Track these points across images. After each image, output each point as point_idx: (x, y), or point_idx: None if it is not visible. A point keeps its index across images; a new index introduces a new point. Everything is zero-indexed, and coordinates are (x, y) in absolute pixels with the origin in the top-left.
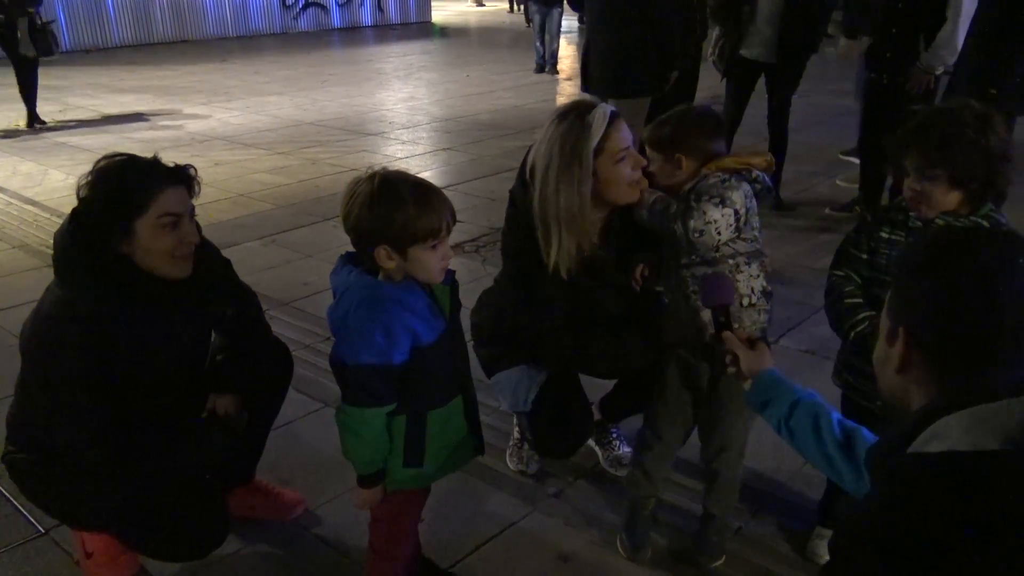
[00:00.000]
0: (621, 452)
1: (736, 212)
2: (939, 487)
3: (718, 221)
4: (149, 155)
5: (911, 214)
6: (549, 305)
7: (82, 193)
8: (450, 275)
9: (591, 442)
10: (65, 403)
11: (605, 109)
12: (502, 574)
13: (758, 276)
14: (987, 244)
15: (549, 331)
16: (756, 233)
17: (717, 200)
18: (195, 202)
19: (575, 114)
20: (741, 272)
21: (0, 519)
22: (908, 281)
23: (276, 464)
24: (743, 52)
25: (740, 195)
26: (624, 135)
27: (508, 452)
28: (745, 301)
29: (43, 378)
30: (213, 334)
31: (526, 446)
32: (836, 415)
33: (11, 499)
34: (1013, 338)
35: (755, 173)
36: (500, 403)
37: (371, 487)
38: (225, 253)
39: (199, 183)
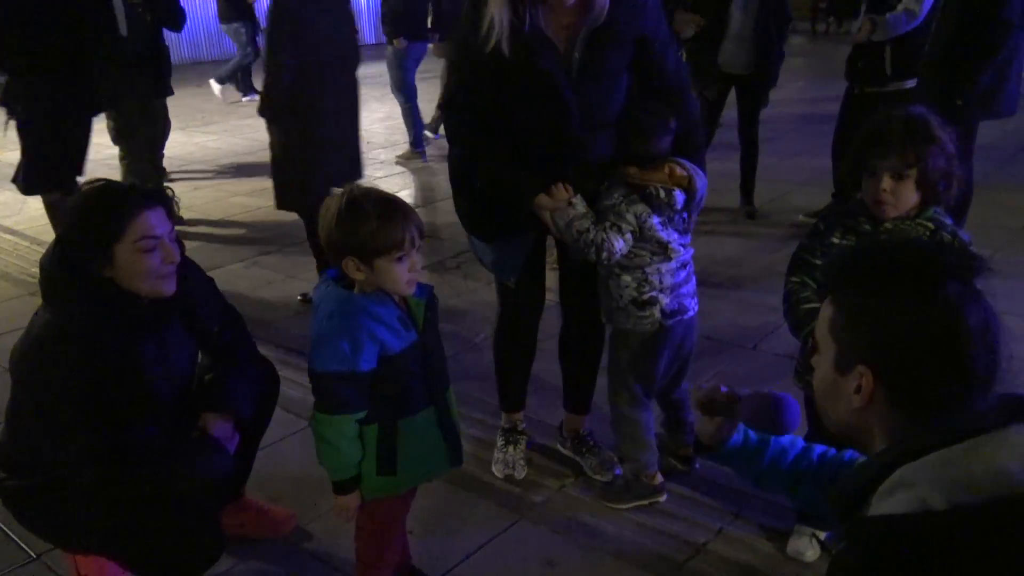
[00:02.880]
0: (604, 456)
1: (632, 232)
2: (920, 554)
3: (621, 248)
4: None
5: (860, 218)
6: (471, 91)
7: (64, 219)
8: (427, 289)
9: (571, 453)
10: (59, 424)
11: None
12: None
13: (663, 271)
14: (954, 267)
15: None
16: (662, 234)
17: (616, 230)
18: (177, 228)
19: None
20: (651, 266)
21: None
22: (868, 308)
23: (265, 482)
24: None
25: (632, 216)
26: None
27: (494, 460)
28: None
29: (35, 400)
30: (200, 354)
31: (511, 450)
32: (816, 454)
33: (1, 525)
34: (986, 362)
35: (651, 189)
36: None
37: (346, 493)
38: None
39: (178, 203)
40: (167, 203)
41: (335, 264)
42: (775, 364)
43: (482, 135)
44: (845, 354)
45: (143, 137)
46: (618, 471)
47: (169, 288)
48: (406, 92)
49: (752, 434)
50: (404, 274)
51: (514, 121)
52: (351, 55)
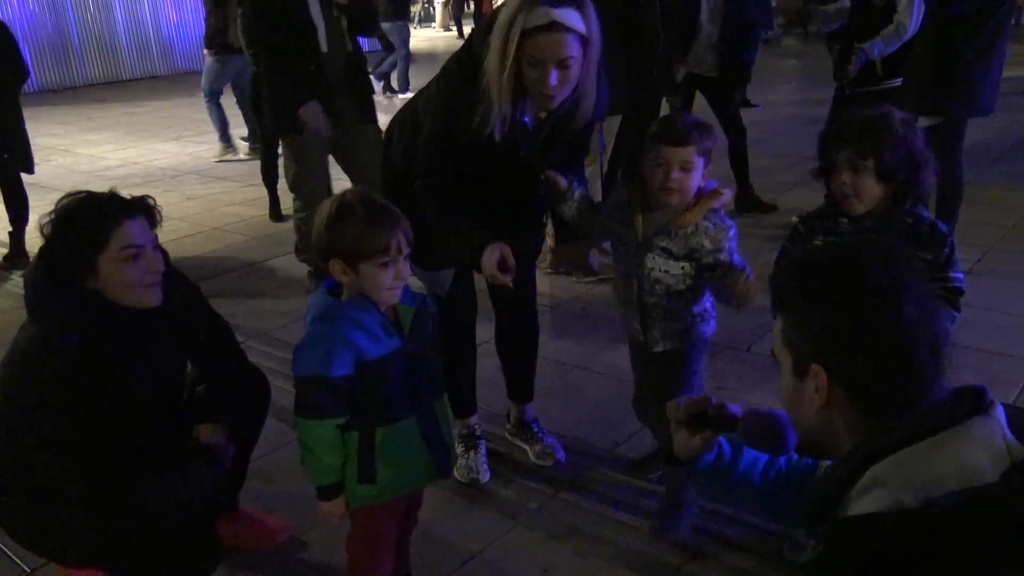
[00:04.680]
0: (546, 443)
1: None
2: (897, 551)
3: None
4: (108, 190)
5: (840, 219)
6: (442, 156)
7: (46, 232)
8: (419, 298)
9: (519, 441)
10: (47, 439)
11: (551, 14)
12: None
13: None
14: (875, 262)
15: (429, 184)
16: None
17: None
18: (169, 237)
19: None
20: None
21: None
22: (806, 311)
23: (259, 493)
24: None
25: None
26: (548, 45)
27: (455, 467)
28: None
29: (23, 415)
30: (190, 364)
31: (472, 455)
32: (783, 460)
33: None
34: (929, 352)
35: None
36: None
37: (329, 499)
38: (201, 286)
39: (160, 212)
40: (149, 212)
41: (323, 265)
42: (768, 366)
43: (456, 204)
44: (799, 359)
45: (358, 173)
46: (560, 455)
47: (155, 298)
48: (216, 97)
49: (726, 446)
50: (388, 281)
51: (480, 184)
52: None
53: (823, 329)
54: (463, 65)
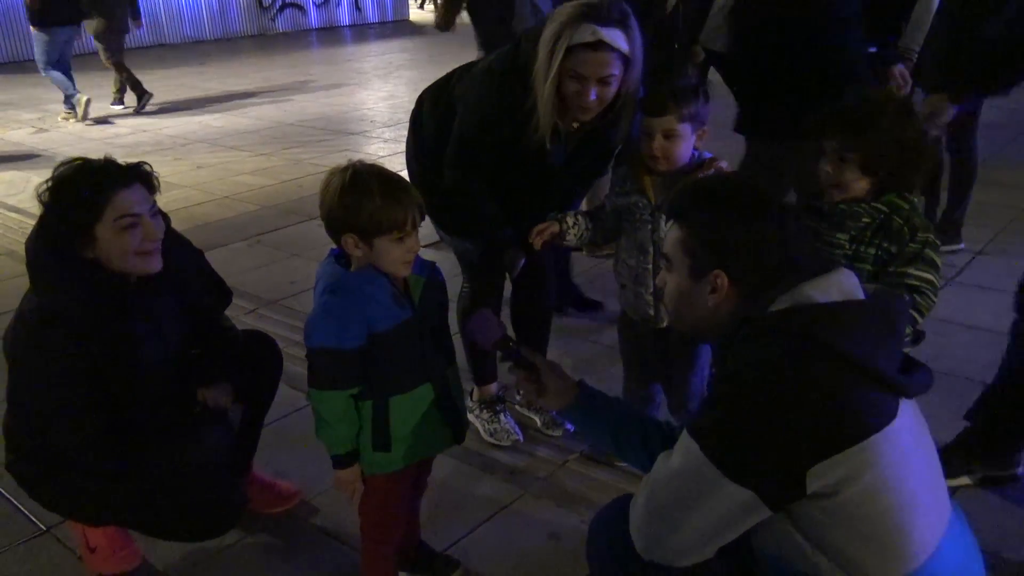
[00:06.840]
0: (555, 414)
1: None
2: (811, 329)
3: None
4: (104, 157)
5: (823, 200)
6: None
7: (43, 200)
8: (428, 266)
9: (528, 412)
10: (54, 407)
11: (597, 33)
12: (495, 554)
13: None
14: (767, 193)
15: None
16: None
17: None
18: (179, 205)
19: (582, 9)
20: None
21: (1, 518)
22: (714, 229)
23: (271, 459)
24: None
25: None
26: (591, 63)
27: (489, 432)
28: None
29: (29, 384)
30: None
31: (502, 419)
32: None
33: (11, 498)
34: (805, 247)
35: None
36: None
37: (344, 468)
38: (211, 254)
39: (157, 178)
40: (146, 179)
41: (334, 239)
42: None
43: (483, 204)
44: (699, 264)
45: None
46: (569, 426)
47: (155, 265)
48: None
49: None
50: (402, 254)
51: (503, 183)
52: None
53: (733, 241)
54: (506, 68)
